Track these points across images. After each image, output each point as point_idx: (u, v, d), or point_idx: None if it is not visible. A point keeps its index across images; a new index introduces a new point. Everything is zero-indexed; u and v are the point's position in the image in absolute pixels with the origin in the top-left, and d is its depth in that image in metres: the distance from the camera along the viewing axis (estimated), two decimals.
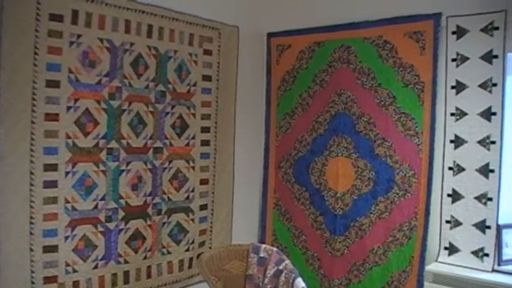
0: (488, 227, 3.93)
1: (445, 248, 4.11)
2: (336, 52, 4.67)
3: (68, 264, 3.76)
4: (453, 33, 4.07)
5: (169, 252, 4.44)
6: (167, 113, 4.36)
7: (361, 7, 4.55)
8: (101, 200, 3.95)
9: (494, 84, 3.91)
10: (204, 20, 4.59)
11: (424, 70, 4.18)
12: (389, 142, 4.36)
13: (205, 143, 4.69)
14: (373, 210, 4.46)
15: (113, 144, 4.00)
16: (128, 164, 4.10)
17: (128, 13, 4.01)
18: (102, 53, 3.89)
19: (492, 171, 3.93)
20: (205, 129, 4.68)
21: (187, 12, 4.43)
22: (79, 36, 3.73)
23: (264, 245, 4.36)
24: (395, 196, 4.34)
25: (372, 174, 4.47)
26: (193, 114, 4.57)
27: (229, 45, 4.85)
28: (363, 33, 4.49)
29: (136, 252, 4.20)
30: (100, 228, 3.95)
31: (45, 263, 3.65)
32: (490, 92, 3.92)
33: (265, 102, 5.19)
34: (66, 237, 3.75)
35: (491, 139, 3.93)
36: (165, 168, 4.38)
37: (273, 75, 5.14)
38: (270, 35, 5.15)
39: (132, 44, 4.07)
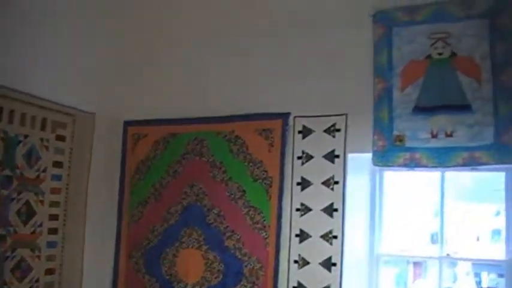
0: None
1: None
2: (189, 144, 4.76)
3: None
4: (299, 132, 4.35)
5: None
6: (13, 199, 4.17)
7: (215, 102, 4.73)
8: None
9: (336, 182, 4.18)
10: (59, 105, 4.51)
11: (272, 166, 4.38)
12: (238, 235, 4.45)
13: (52, 231, 4.51)
14: None
15: None
16: None
17: None
18: None
19: (334, 264, 4.11)
20: (53, 217, 4.51)
21: (41, 97, 4.33)
22: None
23: None
24: None
25: (221, 266, 4.50)
26: (41, 201, 4.40)
27: (84, 131, 4.77)
28: (216, 127, 4.64)
29: None
30: None
31: None
32: (332, 189, 4.19)
33: (119, 190, 5.12)
34: None
35: (333, 234, 4.15)
36: (8, 256, 4.15)
37: (128, 164, 5.10)
38: (127, 124, 5.15)
39: None
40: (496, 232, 4.29)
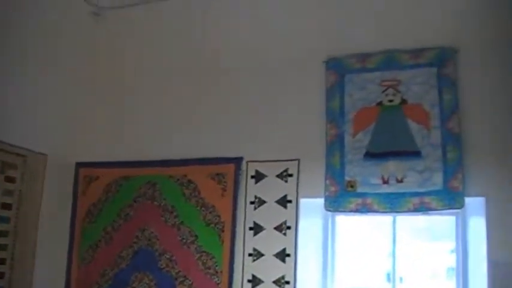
0: None
1: None
2: (141, 188, 4.74)
3: None
4: (252, 177, 4.39)
5: None
6: None
7: (168, 146, 4.73)
8: None
9: (289, 227, 4.22)
10: (9, 146, 4.42)
11: (225, 211, 4.38)
12: (190, 280, 4.41)
13: None
14: None
15: None
16: None
17: None
18: None
19: None
20: None
21: None
22: None
23: None
24: None
25: None
26: None
27: (35, 173, 4.69)
28: (169, 171, 4.64)
29: None
30: None
31: None
32: (285, 234, 4.21)
33: (69, 233, 5.01)
34: None
35: (286, 279, 4.16)
36: None
37: (79, 207, 5.02)
38: (79, 165, 5.08)
39: None
40: (452, 269, 4.32)
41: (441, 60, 4.09)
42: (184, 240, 4.46)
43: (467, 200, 3.90)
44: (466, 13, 4.08)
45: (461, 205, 3.90)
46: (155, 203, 4.65)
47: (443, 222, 4.38)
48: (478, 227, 3.99)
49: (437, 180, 3.95)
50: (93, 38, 5.11)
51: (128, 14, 4.75)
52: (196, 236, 4.43)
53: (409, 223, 4.41)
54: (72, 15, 5.01)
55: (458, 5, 4.06)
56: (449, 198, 3.91)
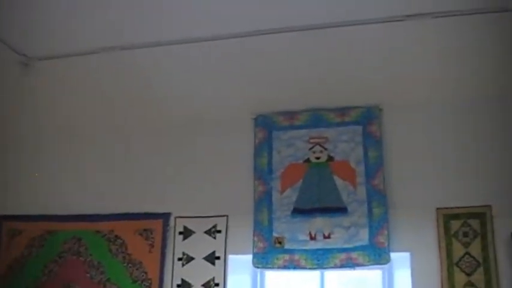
0: None
1: None
2: (67, 243, 4.61)
3: None
4: (180, 233, 4.36)
5: None
6: None
7: (94, 200, 4.65)
8: None
9: (217, 284, 4.19)
10: None
11: (152, 267, 4.32)
12: None
13: None
14: None
15: None
16: None
17: None
18: None
19: None
20: None
21: None
22: None
23: None
24: None
25: None
26: None
27: None
28: (95, 226, 4.55)
29: None
30: None
31: None
32: None
33: None
34: None
35: None
36: None
37: (0, 262, 4.80)
38: (2, 218, 4.89)
39: None
40: None
41: (366, 119, 4.24)
42: None
43: (393, 255, 3.99)
44: (389, 73, 4.19)
45: (387, 261, 3.99)
46: (81, 258, 4.53)
47: (371, 273, 4.44)
48: (404, 281, 4.07)
49: (363, 236, 4.03)
50: (21, 89, 5.00)
51: (57, 66, 4.67)
52: None
53: (338, 276, 4.45)
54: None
55: (382, 66, 4.16)
56: (375, 254, 3.99)
